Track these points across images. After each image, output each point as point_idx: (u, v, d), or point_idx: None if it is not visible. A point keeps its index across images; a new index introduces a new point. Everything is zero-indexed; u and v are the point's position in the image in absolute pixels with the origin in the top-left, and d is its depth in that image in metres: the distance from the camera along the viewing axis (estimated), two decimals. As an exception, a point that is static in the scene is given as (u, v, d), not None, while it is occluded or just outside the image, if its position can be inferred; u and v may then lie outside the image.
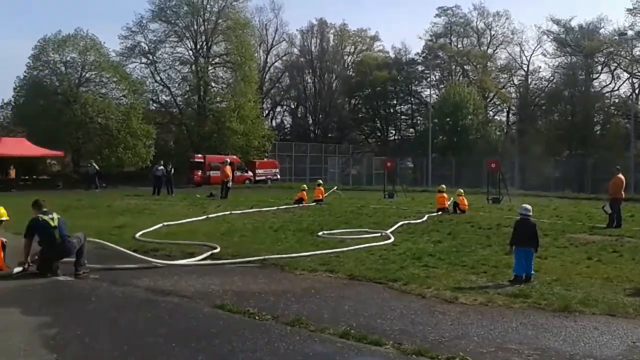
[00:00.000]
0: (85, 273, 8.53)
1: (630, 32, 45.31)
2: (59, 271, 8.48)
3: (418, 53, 64.91)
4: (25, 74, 39.96)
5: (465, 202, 19.85)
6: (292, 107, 70.28)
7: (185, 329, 5.93)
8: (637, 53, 49.10)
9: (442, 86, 61.70)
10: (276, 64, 66.61)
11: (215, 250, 10.41)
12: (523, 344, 5.59)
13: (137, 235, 12.30)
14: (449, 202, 19.93)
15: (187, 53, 47.09)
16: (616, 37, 48.32)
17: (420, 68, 64.53)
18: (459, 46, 64.62)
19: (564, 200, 26.72)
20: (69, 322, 6.22)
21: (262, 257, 9.81)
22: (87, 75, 40.26)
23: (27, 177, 34.33)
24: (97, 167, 33.46)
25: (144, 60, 46.45)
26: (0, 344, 5.38)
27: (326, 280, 8.49)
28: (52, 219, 8.59)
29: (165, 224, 14.53)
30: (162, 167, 28.78)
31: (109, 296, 7.42)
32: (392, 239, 12.36)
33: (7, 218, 8.97)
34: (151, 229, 13.48)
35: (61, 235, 8.52)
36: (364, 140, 69.36)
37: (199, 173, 39.17)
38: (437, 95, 59.89)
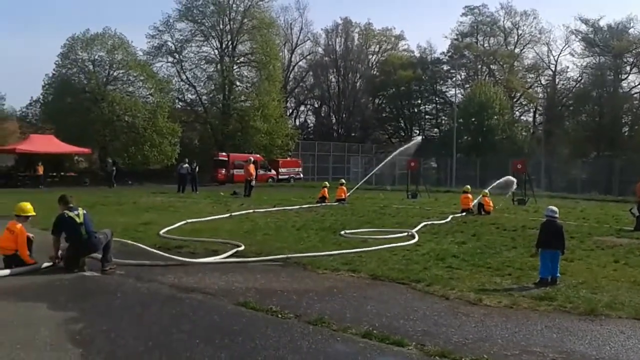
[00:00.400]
0: (112, 269, 8.65)
1: (660, 32, 44.34)
2: (85, 267, 8.62)
3: (443, 52, 64.60)
4: (54, 72, 40.82)
5: (490, 203, 19.63)
6: (316, 106, 70.40)
7: (209, 326, 5.98)
8: (668, 54, 48.07)
9: (468, 86, 61.03)
10: (300, 63, 66.93)
11: (239, 248, 10.48)
12: (548, 347, 5.51)
13: (162, 232, 12.45)
14: (473, 203, 19.74)
15: (212, 52, 47.57)
16: (645, 38, 47.35)
17: (445, 67, 64.03)
18: (485, 45, 63.92)
19: (591, 203, 26.25)
20: (95, 318, 6.31)
21: (285, 256, 9.85)
22: (115, 73, 40.93)
23: (54, 174, 34.97)
24: (114, 164, 34.02)
25: (170, 59, 47.05)
26: (27, 338, 5.47)
27: (349, 279, 8.48)
28: (78, 215, 8.68)
29: (189, 221, 14.68)
30: (187, 165, 29.10)
31: (135, 292, 7.52)
32: (417, 238, 12.33)
33: (34, 214, 9.14)
34: (175, 225, 13.64)
35: (87, 232, 8.64)
36: (387, 139, 69.06)
37: (223, 171, 39.47)
38: (462, 95, 59.31)
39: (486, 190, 20.41)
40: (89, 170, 40.39)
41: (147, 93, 41.83)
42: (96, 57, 40.23)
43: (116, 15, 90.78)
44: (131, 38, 47.94)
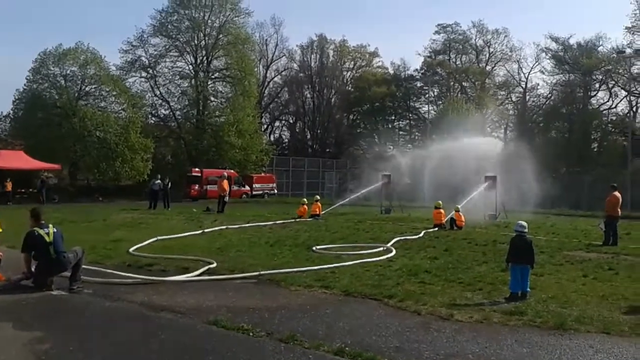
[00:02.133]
0: (80, 288, 8.48)
1: (628, 50, 45.58)
2: (53, 286, 8.43)
3: (417, 69, 65.51)
4: (24, 87, 40.16)
5: (462, 218, 19.85)
6: (291, 121, 70.53)
7: (178, 345, 5.88)
8: (635, 71, 49.33)
9: (440, 102, 61.94)
10: (275, 78, 67.17)
11: (211, 266, 10.36)
12: (518, 362, 5.56)
13: (132, 249, 12.25)
14: (445, 219, 19.94)
15: (187, 67, 47.41)
16: (614, 55, 48.63)
17: (418, 84, 64.97)
18: (457, 63, 65.06)
19: (561, 218, 26.73)
20: (61, 337, 6.16)
21: (257, 273, 9.77)
22: (87, 88, 40.45)
23: (23, 190, 34.23)
24: (48, 179, 33.51)
25: (143, 74, 46.73)
26: (-9, 359, 5.32)
27: (322, 296, 8.45)
28: (48, 233, 8.48)
29: (160, 238, 14.47)
30: (159, 181, 28.79)
31: (103, 311, 7.38)
32: (394, 252, 12.41)
33: (1, 229, 8.91)
34: (145, 243, 13.43)
35: (56, 251, 8.45)
36: (362, 155, 69.42)
37: (196, 187, 39.13)
38: (435, 111, 60.13)
39: (458, 206, 20.64)
40: (58, 187, 39.54)
41: (120, 108, 41.38)
42: (68, 72, 39.74)
43: (89, 30, 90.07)
44: (104, 53, 47.60)
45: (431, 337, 6.36)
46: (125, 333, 6.38)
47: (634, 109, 55.58)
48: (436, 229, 19.14)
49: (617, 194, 16.23)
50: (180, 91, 47.47)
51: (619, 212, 16.25)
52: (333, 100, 68.03)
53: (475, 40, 64.30)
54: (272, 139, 65.44)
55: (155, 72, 46.72)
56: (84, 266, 8.98)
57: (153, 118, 48.46)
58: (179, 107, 48.04)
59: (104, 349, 5.77)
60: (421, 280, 9.46)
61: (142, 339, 6.12)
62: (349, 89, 68.30)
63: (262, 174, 46.85)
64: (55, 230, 8.63)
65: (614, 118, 56.96)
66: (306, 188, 49.68)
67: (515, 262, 8.48)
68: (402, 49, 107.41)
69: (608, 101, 56.94)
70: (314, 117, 67.15)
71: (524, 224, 8.82)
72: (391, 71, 67.88)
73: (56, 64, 39.40)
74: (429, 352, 5.80)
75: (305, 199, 25.32)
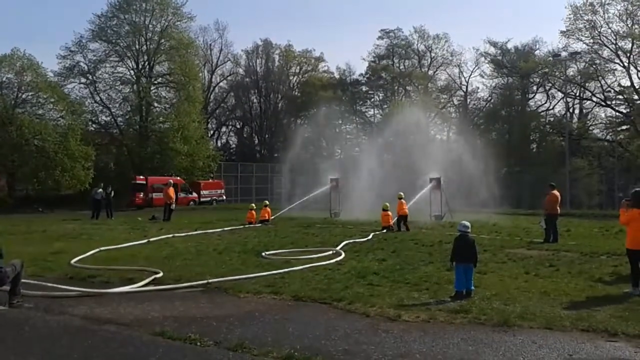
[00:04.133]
0: (20, 302, 8.15)
1: (564, 54, 47.60)
2: (-11, 301, 8.04)
3: (362, 74, 66.34)
4: (-43, 95, 38.01)
5: (404, 206, 20.38)
6: (238, 127, 69.94)
7: (123, 358, 5.72)
8: (571, 73, 51.58)
9: (386, 106, 62.91)
10: (221, 84, 66.35)
11: (157, 275, 10.12)
12: (464, 359, 5.68)
13: (73, 261, 11.82)
14: (393, 221, 20.26)
15: (128, 73, 46.13)
16: (551, 59, 50.58)
17: (364, 88, 65.81)
18: (401, 67, 66.24)
19: (503, 216, 27.62)
20: (1, 353, 5.89)
21: (205, 281, 9.61)
22: (24, 96, 38.68)
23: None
24: None
25: (83, 80, 45.18)
26: None
27: (271, 302, 8.40)
28: (-16, 246, 8.09)
29: (102, 248, 14.03)
30: (101, 190, 27.95)
31: (44, 326, 7.09)
32: (343, 255, 12.49)
33: None
34: (88, 254, 13.00)
35: (-8, 265, 8.06)
36: (310, 159, 69.55)
37: (141, 195, 38.17)
38: (380, 114, 61.00)
39: (401, 193, 21.19)
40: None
41: (58, 115, 39.77)
42: (4, 79, 37.94)
43: (25, 36, 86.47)
44: (41, 59, 45.64)
45: (379, 338, 6.43)
46: (67, 347, 6.15)
47: (571, 110, 58.26)
48: (384, 231, 19.40)
49: (556, 192, 16.78)
50: (121, 97, 46.16)
51: (559, 210, 16.81)
52: (280, 105, 67.93)
53: (417, 45, 65.70)
54: (219, 144, 64.74)
55: (95, 77, 45.25)
56: (23, 280, 8.61)
57: (94, 125, 46.85)
58: (121, 113, 46.74)
59: (43, 367, 5.53)
60: (369, 282, 9.55)
61: (85, 353, 5.91)
62: (296, 93, 68.37)
63: (210, 181, 46.22)
64: None
65: (551, 119, 59.43)
66: (255, 193, 49.34)
67: (459, 261, 8.69)
68: (347, 54, 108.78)
69: (545, 103, 59.50)
70: (261, 122, 66.87)
71: (467, 224, 9.06)
72: (337, 76, 68.53)
73: (-9, 71, 37.61)
74: (377, 353, 5.85)
75: (253, 205, 25.17)
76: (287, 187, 49.28)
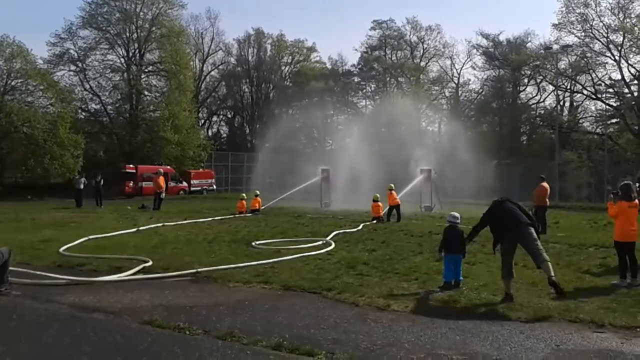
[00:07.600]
0: (7, 290, 8.11)
1: (555, 46, 47.63)
2: (-22, 289, 7.98)
3: (354, 64, 66.06)
4: (-53, 83, 37.54)
5: (395, 195, 20.48)
6: (229, 116, 69.58)
7: (111, 347, 5.69)
8: (562, 66, 51.68)
9: (378, 97, 62.86)
10: (212, 72, 65.90)
11: (146, 264, 10.08)
12: (452, 349, 5.72)
13: (62, 249, 11.76)
14: (383, 211, 20.31)
15: (118, 61, 45.83)
16: (542, 51, 50.61)
17: (356, 79, 65.58)
18: (393, 59, 66.07)
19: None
20: (-14, 343, 5.84)
21: (194, 270, 9.59)
22: (13, 83, 38.30)
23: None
24: None
25: (72, 67, 44.90)
26: None
27: (260, 291, 8.40)
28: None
29: (91, 237, 13.96)
30: (83, 178, 27.86)
31: (32, 313, 7.06)
32: (333, 245, 12.50)
33: None
34: (77, 242, 12.94)
35: (-21, 253, 8.01)
36: (302, 150, 69.51)
37: (131, 184, 38.03)
38: (372, 106, 60.96)
39: (392, 184, 21.27)
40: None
41: (48, 103, 39.46)
42: (-7, 66, 37.57)
43: (15, 22, 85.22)
44: (31, 46, 45.21)
45: (368, 327, 6.45)
46: (55, 335, 6.13)
47: (561, 103, 58.38)
48: (375, 221, 19.46)
49: (545, 184, 16.88)
50: (111, 85, 45.86)
51: (548, 202, 16.93)
52: (271, 94, 67.62)
53: (409, 36, 65.45)
54: (210, 134, 64.39)
55: (85, 65, 44.96)
56: (11, 267, 8.54)
57: (83, 113, 46.49)
58: (111, 101, 46.48)
59: (33, 353, 5.54)
60: (359, 272, 9.57)
61: (73, 341, 5.88)
62: (287, 83, 68.09)
63: (201, 170, 46.07)
64: None
65: (542, 112, 59.58)
66: (245, 183, 49.22)
67: (448, 252, 8.73)
68: (340, 44, 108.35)
69: (536, 95, 59.55)
70: (253, 112, 66.56)
71: (457, 215, 9.10)
72: (329, 66, 68.27)
73: (-20, 58, 37.15)
74: (366, 342, 5.88)
75: (244, 194, 25.13)
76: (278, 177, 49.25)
